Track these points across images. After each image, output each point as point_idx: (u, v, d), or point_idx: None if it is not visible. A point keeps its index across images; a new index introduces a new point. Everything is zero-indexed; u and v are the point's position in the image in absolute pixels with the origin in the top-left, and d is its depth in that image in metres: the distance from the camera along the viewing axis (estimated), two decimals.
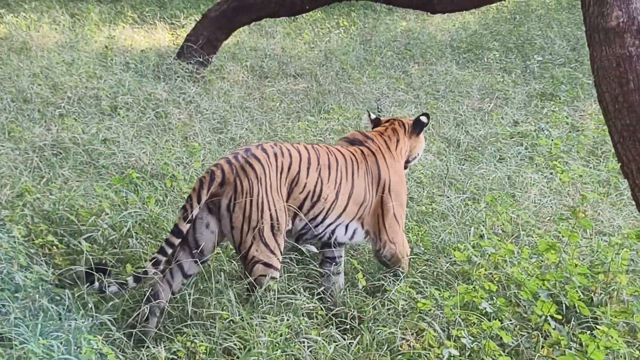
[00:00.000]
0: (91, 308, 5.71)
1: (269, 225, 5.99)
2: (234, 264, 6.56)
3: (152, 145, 9.28)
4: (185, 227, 5.79)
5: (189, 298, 5.78)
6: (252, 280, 5.97)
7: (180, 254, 5.96)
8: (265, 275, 5.97)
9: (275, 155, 6.13)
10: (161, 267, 5.78)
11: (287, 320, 5.70)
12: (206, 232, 5.99)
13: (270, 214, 5.99)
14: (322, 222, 6.33)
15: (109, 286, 5.68)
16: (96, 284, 5.67)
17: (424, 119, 6.99)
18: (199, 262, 5.98)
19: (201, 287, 6.00)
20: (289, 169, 6.15)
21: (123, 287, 5.74)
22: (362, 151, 6.59)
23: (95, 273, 5.66)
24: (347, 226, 6.47)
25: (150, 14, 18.90)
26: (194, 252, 5.95)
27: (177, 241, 5.80)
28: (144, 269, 5.72)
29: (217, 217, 5.98)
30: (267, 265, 6.00)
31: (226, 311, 5.69)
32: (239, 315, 5.65)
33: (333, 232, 6.43)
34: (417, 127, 6.95)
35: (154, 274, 5.76)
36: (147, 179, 8.04)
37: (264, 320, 5.66)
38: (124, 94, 11.30)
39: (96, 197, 7.33)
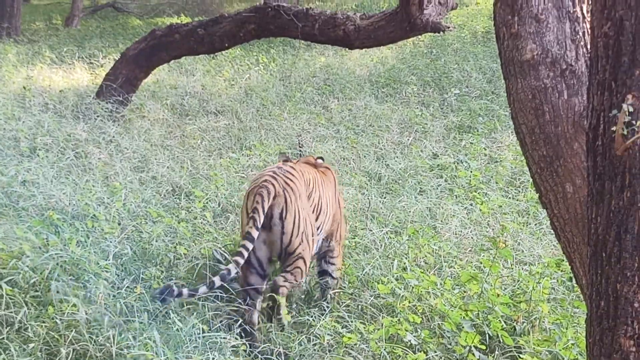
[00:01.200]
0: (12, 353, 5.63)
1: (310, 228, 6.88)
2: (158, 304, 6.52)
3: (73, 186, 9.20)
4: (255, 233, 6.48)
5: (113, 340, 5.72)
6: (291, 274, 6.72)
7: (250, 279, 6.72)
8: (301, 269, 6.75)
9: (301, 172, 7.10)
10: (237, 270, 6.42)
11: (213, 359, 5.69)
12: (263, 247, 6.74)
13: (309, 220, 6.89)
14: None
15: (197, 288, 6.31)
16: (184, 290, 6.26)
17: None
18: (265, 279, 6.78)
19: (126, 327, 5.95)
20: (308, 184, 7.12)
21: (211, 288, 6.31)
22: (323, 172, 7.67)
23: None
24: (321, 240, 7.35)
25: (68, 53, 18.77)
26: (258, 269, 6.76)
27: (250, 246, 6.45)
28: (226, 268, 6.35)
29: (267, 228, 6.69)
30: (305, 261, 6.79)
31: (150, 351, 5.65)
32: (164, 356, 5.62)
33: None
34: None
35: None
36: (68, 220, 7.95)
37: (190, 359, 5.65)
38: (43, 135, 11.18)
39: (16, 240, 7.21)
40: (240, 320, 6.44)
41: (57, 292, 6.33)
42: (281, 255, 6.81)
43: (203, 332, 6.00)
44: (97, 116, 12.48)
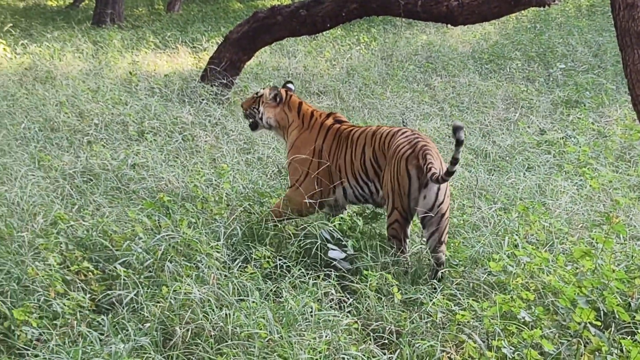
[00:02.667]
0: (129, 332, 5.74)
1: None
2: (269, 282, 6.57)
3: (181, 168, 9.32)
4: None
5: (229, 318, 5.78)
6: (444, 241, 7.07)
7: (407, 229, 7.25)
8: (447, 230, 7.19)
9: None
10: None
11: (326, 337, 5.71)
12: (422, 202, 7.02)
13: None
14: None
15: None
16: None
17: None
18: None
19: (238, 307, 6.01)
20: None
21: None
22: None
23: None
24: None
25: (171, 38, 19.00)
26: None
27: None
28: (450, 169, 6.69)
29: (424, 186, 7.00)
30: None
31: (264, 330, 5.69)
32: (277, 334, 5.67)
33: None
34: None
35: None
36: (178, 202, 8.06)
37: (302, 337, 5.68)
38: (150, 118, 11.36)
39: (129, 222, 7.36)
40: (352, 300, 6.45)
41: (171, 272, 6.43)
42: (427, 215, 6.97)
43: (315, 310, 6.02)
44: (202, 99, 12.61)
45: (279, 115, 8.21)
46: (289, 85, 8.53)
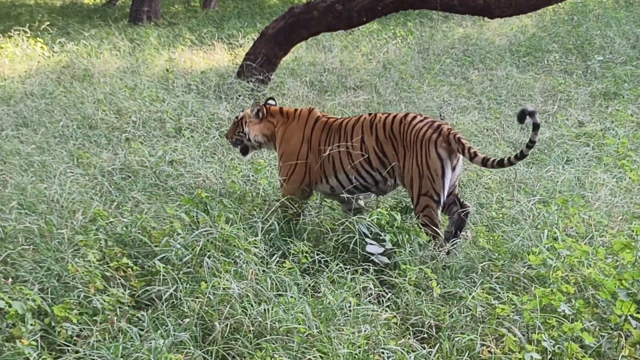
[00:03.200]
0: (169, 327, 5.76)
1: None
2: (307, 277, 6.57)
3: (219, 165, 9.34)
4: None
5: (267, 313, 5.79)
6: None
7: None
8: None
9: None
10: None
11: (365, 331, 5.71)
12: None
13: None
14: None
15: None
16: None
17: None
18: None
19: (277, 301, 6.01)
20: None
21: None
22: None
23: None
24: None
25: (207, 35, 19.09)
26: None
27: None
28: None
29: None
30: None
31: (303, 325, 5.70)
32: (316, 329, 5.66)
33: None
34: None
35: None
36: (216, 198, 8.08)
37: (341, 332, 5.68)
38: (187, 115, 11.41)
39: (167, 218, 7.37)
40: (390, 294, 6.44)
41: (209, 268, 6.44)
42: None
43: (353, 305, 6.01)
44: (239, 95, 12.66)
45: (265, 128, 8.32)
46: (271, 102, 8.61)
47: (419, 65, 15.68)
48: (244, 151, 8.48)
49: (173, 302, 6.14)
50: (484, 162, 7.25)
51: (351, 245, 7.02)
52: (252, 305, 5.96)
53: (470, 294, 6.18)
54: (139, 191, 8.49)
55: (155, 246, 6.78)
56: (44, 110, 11.72)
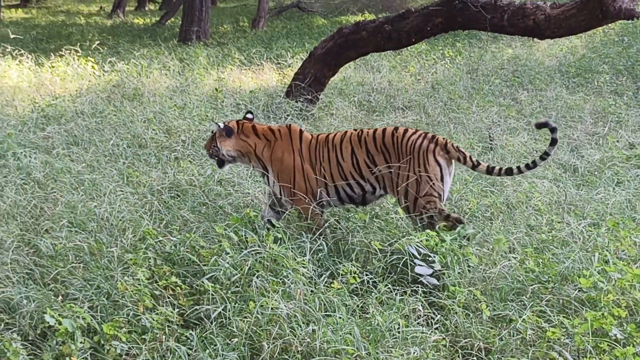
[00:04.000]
0: (217, 347, 5.77)
1: None
2: (356, 298, 6.55)
3: (260, 185, 9.36)
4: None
5: (316, 334, 5.78)
6: None
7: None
8: None
9: None
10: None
11: (414, 353, 5.67)
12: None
13: None
14: None
15: None
16: None
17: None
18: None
19: (325, 322, 6.00)
20: None
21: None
22: None
23: None
24: None
25: (256, 55, 19.15)
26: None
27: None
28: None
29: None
30: None
31: (352, 346, 5.67)
32: (365, 350, 5.64)
33: None
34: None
35: None
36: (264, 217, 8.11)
37: (390, 354, 5.66)
38: None
39: (216, 237, 7.39)
40: (439, 316, 6.40)
41: (257, 287, 6.44)
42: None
43: (402, 326, 5.98)
44: (287, 115, 12.67)
45: (238, 145, 8.43)
46: (248, 115, 8.79)
47: (467, 86, 15.63)
48: (220, 164, 8.59)
49: (221, 321, 6.15)
50: (489, 171, 7.90)
51: (400, 266, 6.99)
52: (300, 326, 5.96)
53: (520, 317, 6.12)
54: (187, 210, 8.53)
55: (204, 265, 6.80)
56: (94, 129, 11.82)
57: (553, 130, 7.68)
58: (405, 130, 8.07)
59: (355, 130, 8.29)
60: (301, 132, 8.37)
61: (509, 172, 7.90)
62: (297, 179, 8.08)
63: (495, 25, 11.75)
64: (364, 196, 8.18)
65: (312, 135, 8.46)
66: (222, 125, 8.45)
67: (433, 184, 7.78)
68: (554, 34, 11.57)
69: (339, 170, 8.11)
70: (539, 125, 8.37)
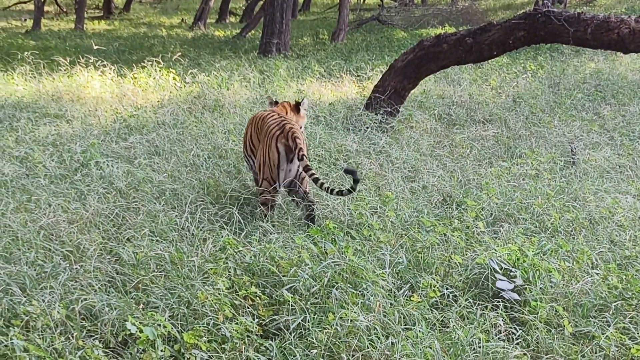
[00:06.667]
0: (297, 358, 5.76)
1: None
2: (436, 312, 6.49)
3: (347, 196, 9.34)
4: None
5: (395, 347, 5.74)
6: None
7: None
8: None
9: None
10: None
11: None
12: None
13: None
14: None
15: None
16: None
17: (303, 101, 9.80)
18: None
19: (404, 335, 5.95)
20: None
21: None
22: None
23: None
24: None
25: (336, 67, 19.19)
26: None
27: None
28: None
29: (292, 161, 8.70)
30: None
31: None
32: None
33: None
34: (297, 107, 9.66)
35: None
36: (344, 229, 8.09)
37: None
38: (315, 146, 11.44)
39: (295, 248, 7.41)
40: (520, 332, 6.31)
41: (337, 299, 6.43)
42: (293, 183, 8.75)
43: (483, 341, 5.92)
44: (367, 127, 12.64)
45: None
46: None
47: (549, 100, 15.46)
48: None
49: (300, 332, 6.15)
50: (305, 169, 8.45)
51: (481, 280, 6.93)
52: (379, 339, 5.94)
53: (603, 334, 6.03)
54: (267, 221, 8.55)
55: (283, 276, 6.81)
56: (175, 139, 11.93)
57: (356, 181, 8.18)
58: (270, 115, 9.03)
59: (261, 110, 9.82)
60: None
61: (320, 185, 8.30)
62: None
63: (578, 38, 11.60)
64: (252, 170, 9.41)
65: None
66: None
67: (270, 169, 8.62)
68: (638, 48, 11.37)
69: (244, 146, 9.59)
70: (346, 172, 8.62)
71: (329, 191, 8.26)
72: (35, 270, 6.94)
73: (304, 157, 8.43)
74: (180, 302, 6.43)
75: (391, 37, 27.34)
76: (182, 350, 5.82)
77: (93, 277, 6.88)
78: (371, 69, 18.51)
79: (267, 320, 6.36)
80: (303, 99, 9.80)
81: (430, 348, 5.78)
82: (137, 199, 9.03)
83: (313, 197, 8.91)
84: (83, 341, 5.86)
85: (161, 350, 5.69)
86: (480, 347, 5.89)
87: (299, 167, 8.58)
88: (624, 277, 7.15)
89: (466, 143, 12.21)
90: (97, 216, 8.43)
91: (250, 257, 7.20)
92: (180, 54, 20.53)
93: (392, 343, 5.84)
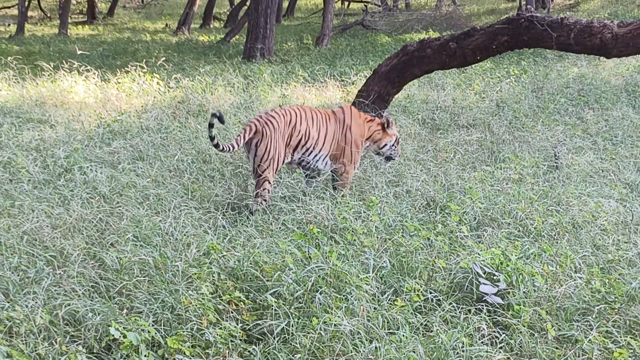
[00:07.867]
0: None
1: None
2: (419, 316, 6.50)
3: (330, 201, 9.34)
4: (236, 145, 9.35)
5: (379, 351, 5.74)
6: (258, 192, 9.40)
7: None
8: (265, 189, 9.42)
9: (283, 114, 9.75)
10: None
11: None
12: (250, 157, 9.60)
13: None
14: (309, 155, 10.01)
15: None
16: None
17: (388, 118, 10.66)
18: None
19: (388, 340, 5.96)
20: (289, 122, 9.72)
21: None
22: (334, 114, 10.28)
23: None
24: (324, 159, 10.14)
25: (320, 72, 19.22)
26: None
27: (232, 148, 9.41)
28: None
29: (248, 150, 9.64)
30: (269, 182, 9.46)
31: None
32: None
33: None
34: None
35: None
36: (328, 234, 8.09)
37: None
38: None
39: (279, 253, 7.40)
40: (504, 335, 6.33)
41: (320, 304, 6.44)
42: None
43: (466, 345, 5.93)
44: None
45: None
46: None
47: (532, 105, 15.52)
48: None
49: (284, 337, 6.16)
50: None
51: (465, 285, 6.95)
52: (363, 343, 5.95)
53: (586, 337, 6.05)
54: (251, 225, 8.55)
55: (267, 280, 6.81)
56: (159, 144, 11.92)
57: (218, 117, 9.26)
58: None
59: None
60: None
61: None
62: None
63: (561, 43, 11.64)
64: None
65: None
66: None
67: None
68: (621, 53, 11.44)
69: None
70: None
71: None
72: (18, 275, 6.93)
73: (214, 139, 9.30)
74: (164, 307, 6.42)
75: (375, 42, 27.39)
76: (166, 356, 5.82)
77: (77, 282, 6.87)
78: (355, 73, 18.53)
79: (250, 325, 6.35)
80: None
81: (414, 352, 5.79)
82: (120, 204, 9.01)
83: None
84: (67, 346, 5.86)
85: (145, 356, 5.68)
86: (463, 351, 5.91)
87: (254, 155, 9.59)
88: (607, 281, 7.17)
89: (450, 147, 12.24)
90: (80, 221, 8.41)
91: (234, 261, 7.20)
92: (164, 58, 20.54)
93: (376, 347, 5.84)
